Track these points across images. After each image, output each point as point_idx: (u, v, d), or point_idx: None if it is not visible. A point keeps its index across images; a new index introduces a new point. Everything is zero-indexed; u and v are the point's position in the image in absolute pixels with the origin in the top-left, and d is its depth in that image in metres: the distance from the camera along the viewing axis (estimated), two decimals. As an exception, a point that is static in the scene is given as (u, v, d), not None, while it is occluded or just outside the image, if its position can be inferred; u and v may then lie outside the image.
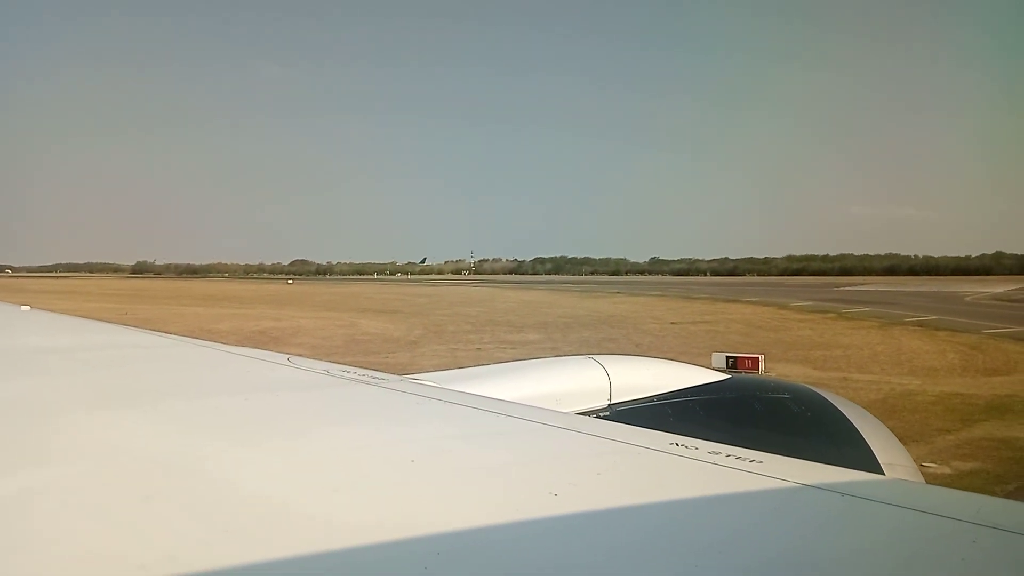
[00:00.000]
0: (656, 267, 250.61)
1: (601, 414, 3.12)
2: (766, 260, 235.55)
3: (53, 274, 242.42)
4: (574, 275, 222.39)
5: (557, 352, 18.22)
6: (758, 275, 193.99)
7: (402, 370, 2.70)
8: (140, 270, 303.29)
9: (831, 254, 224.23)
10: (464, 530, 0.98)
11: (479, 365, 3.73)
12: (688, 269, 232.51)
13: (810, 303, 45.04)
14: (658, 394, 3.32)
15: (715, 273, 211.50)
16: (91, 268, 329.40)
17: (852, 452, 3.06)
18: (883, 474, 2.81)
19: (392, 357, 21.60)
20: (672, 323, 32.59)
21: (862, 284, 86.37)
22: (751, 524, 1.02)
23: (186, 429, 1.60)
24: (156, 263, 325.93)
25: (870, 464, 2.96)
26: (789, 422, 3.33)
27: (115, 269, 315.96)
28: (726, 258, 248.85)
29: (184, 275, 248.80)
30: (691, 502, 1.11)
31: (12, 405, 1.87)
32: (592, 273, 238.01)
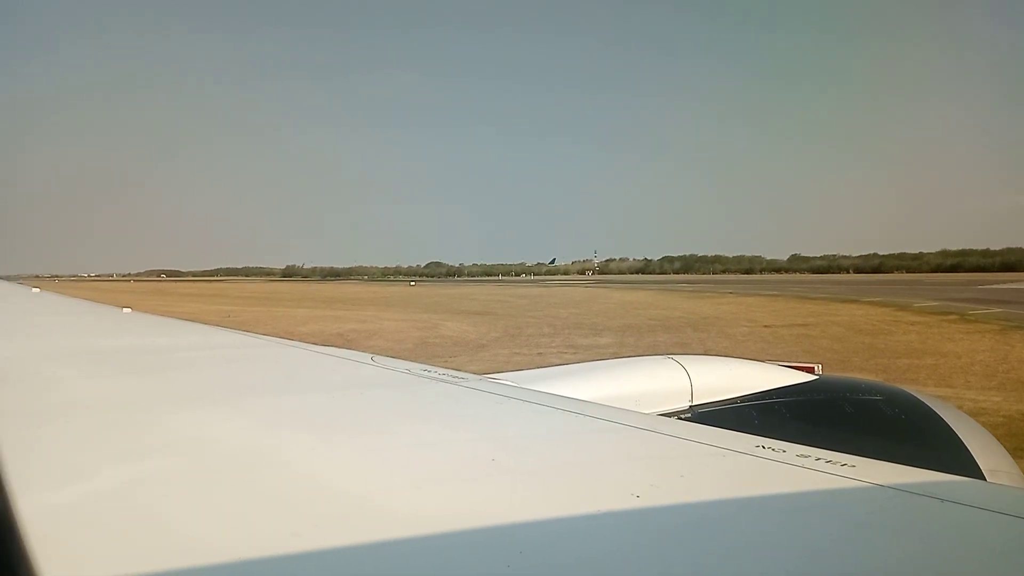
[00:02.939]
0: (795, 265, 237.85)
1: (683, 415, 3.03)
2: (917, 256, 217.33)
3: (212, 278, 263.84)
4: (704, 274, 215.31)
5: (617, 357, 17.28)
6: (907, 272, 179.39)
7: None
8: (289, 273, 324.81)
9: (992, 248, 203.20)
10: (545, 530, 0.97)
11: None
12: (829, 267, 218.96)
13: (938, 303, 40.64)
14: (742, 395, 3.22)
15: (859, 271, 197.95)
16: (247, 272, 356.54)
17: (951, 457, 2.92)
18: (985, 480, 2.64)
19: (451, 361, 21.50)
20: (765, 326, 30.41)
21: (1017, 282, 77.32)
22: (845, 529, 0.97)
23: (275, 426, 1.63)
24: (304, 267, 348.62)
25: (971, 470, 2.83)
26: (882, 425, 3.20)
27: (267, 273, 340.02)
28: (874, 254, 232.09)
29: (327, 278, 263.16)
30: (780, 506, 1.06)
31: (109, 403, 1.96)
32: (723, 272, 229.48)
